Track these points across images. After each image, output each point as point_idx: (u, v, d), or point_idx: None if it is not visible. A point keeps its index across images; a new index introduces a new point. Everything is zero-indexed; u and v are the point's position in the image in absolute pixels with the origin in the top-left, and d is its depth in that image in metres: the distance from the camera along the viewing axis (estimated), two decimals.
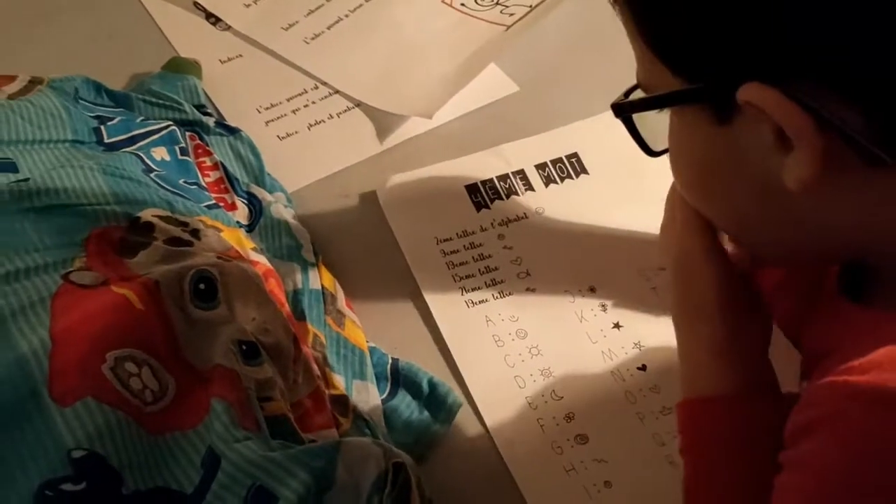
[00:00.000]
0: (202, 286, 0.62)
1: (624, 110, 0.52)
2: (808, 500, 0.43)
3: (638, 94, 0.51)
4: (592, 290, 0.78)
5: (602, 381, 0.72)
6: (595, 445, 0.69)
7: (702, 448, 0.57)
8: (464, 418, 0.71)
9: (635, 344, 0.74)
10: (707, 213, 0.54)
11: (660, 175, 0.80)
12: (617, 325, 0.75)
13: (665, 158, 0.81)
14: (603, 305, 0.76)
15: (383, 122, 0.90)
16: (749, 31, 0.40)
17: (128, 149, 0.76)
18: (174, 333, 0.59)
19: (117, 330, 0.57)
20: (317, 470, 0.51)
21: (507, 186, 0.86)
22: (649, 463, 0.68)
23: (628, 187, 0.84)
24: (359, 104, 0.91)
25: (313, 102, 0.91)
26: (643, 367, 0.73)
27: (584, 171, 0.87)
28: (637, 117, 0.54)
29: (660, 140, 0.54)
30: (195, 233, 0.68)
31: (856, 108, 0.39)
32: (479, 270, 0.80)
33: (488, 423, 0.70)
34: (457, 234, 0.82)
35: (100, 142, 0.77)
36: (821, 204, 0.43)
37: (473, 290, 0.79)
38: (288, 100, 0.91)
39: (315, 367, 0.67)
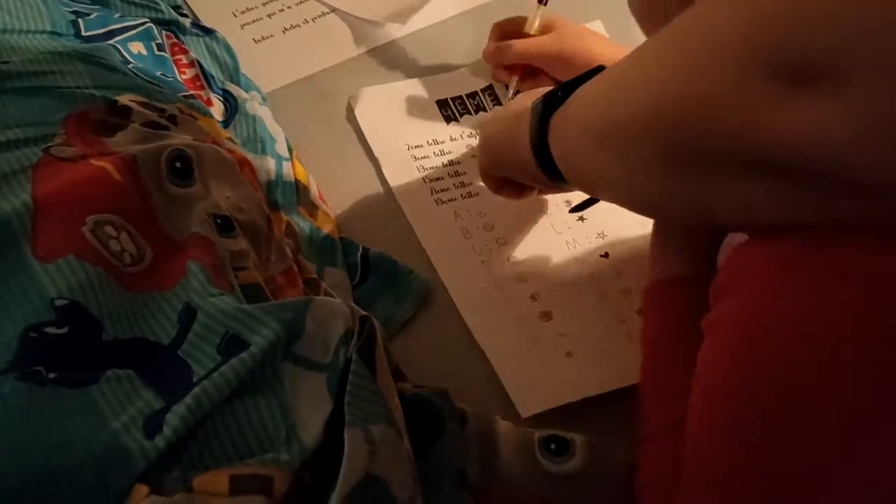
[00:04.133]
0: (178, 164, 0.64)
1: None
2: (719, 356, 0.46)
3: None
4: None
5: (566, 266, 0.76)
6: (558, 321, 0.72)
7: (660, 327, 0.61)
8: (435, 303, 0.74)
9: (599, 234, 0.77)
10: None
11: None
12: (581, 218, 0.78)
13: None
14: (567, 201, 0.79)
15: (358, 28, 0.92)
16: None
17: (105, 42, 0.78)
18: (151, 206, 0.61)
19: (96, 197, 0.59)
20: (287, 321, 0.54)
21: (475, 103, 0.88)
22: (609, 337, 0.71)
23: None
24: (333, 10, 0.93)
25: (289, 7, 0.93)
26: (606, 255, 0.76)
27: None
28: None
29: None
30: (172, 118, 0.70)
31: None
32: (449, 174, 0.83)
33: (458, 306, 0.73)
34: (427, 141, 0.85)
35: (77, 35, 0.78)
36: None
37: (443, 190, 0.81)
38: (263, 4, 0.93)
39: (288, 250, 0.69)
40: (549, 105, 0.58)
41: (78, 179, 0.59)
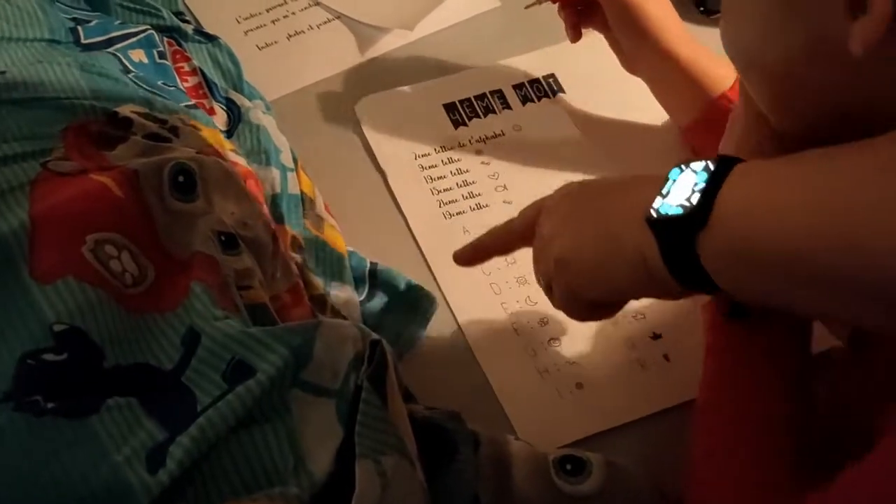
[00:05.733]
0: (181, 179, 0.62)
1: None
2: None
3: None
4: None
5: None
6: (568, 349, 0.70)
7: (732, 346, 0.58)
8: (440, 322, 0.72)
9: None
10: (753, 79, 0.54)
11: (630, 96, 0.83)
12: None
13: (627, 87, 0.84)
14: None
15: (363, 35, 0.90)
16: None
17: (105, 50, 0.76)
18: (153, 222, 0.59)
19: (96, 214, 0.57)
20: (295, 346, 0.52)
21: (484, 105, 0.86)
22: (621, 366, 0.69)
23: (602, 106, 0.85)
24: (339, 16, 0.91)
25: (293, 13, 0.91)
26: None
27: (561, 90, 0.88)
28: None
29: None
30: (174, 130, 0.68)
31: None
32: (457, 184, 0.81)
33: (464, 326, 0.72)
34: (434, 149, 0.83)
35: (77, 42, 0.76)
36: (867, 71, 0.45)
37: (451, 202, 0.80)
38: (267, 10, 0.91)
39: (293, 265, 0.67)
40: (687, 224, 0.49)
41: (77, 196, 0.57)
